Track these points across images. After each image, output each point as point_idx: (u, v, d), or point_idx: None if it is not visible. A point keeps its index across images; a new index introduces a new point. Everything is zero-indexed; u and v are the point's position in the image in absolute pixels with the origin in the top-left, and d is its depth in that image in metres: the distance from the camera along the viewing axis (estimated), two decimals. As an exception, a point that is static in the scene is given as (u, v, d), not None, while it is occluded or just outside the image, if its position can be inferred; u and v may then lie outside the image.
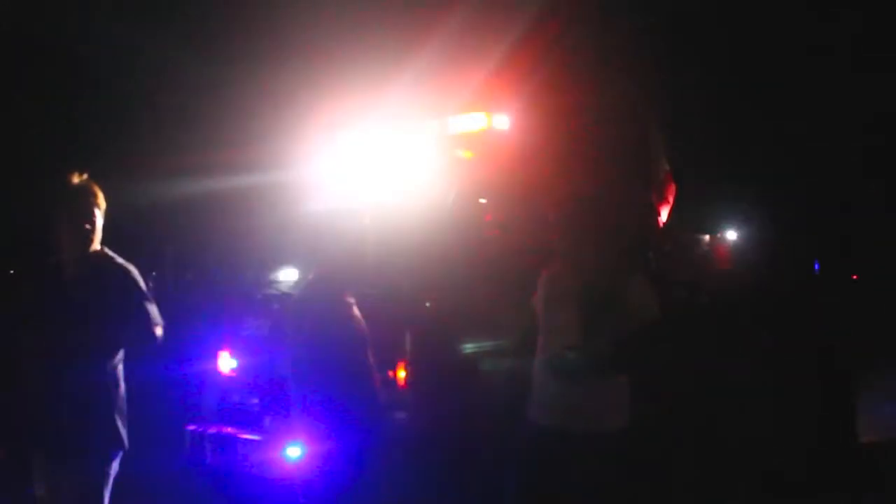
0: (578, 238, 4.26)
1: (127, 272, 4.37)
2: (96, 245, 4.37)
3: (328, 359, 3.93)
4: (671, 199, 6.18)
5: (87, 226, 4.31)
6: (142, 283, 4.40)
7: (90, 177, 4.40)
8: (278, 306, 5.99)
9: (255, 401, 6.15)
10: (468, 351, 5.41)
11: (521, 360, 4.43)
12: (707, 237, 7.51)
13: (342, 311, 4.04)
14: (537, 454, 4.19)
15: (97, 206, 4.37)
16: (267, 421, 6.01)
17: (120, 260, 4.40)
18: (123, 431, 4.33)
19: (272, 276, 6.51)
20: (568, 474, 4.05)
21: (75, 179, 4.34)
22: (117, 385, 4.33)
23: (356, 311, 4.10)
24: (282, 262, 6.45)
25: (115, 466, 4.33)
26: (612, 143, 5.90)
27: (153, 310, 4.35)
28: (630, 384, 4.21)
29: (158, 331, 4.34)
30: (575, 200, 4.42)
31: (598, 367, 4.08)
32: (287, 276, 6.38)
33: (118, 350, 4.33)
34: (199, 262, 8.94)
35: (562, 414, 4.11)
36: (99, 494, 4.22)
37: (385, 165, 6.14)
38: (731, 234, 7.73)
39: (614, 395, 4.14)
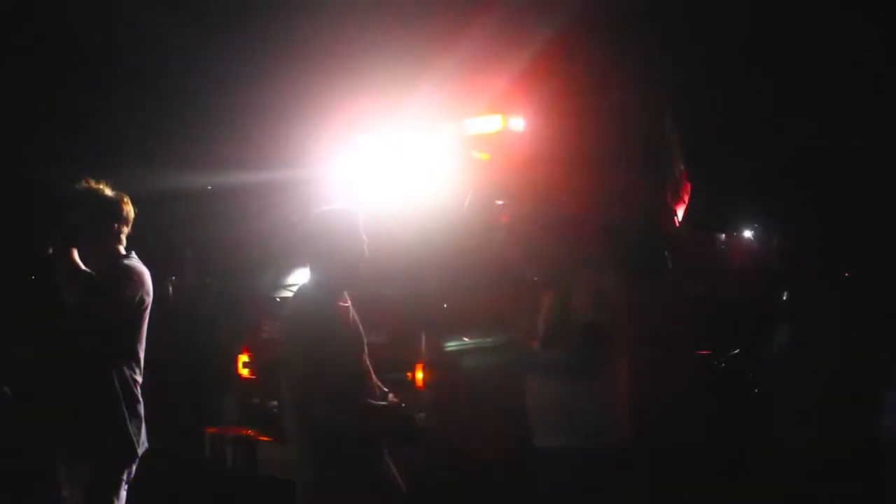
0: (530, 236, 4.20)
1: (120, 270, 4.33)
2: (121, 251, 4.42)
3: (323, 362, 3.85)
4: (687, 198, 6.19)
5: (110, 234, 4.36)
6: (129, 283, 4.31)
7: (115, 184, 4.46)
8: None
9: (275, 403, 6.17)
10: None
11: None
12: (723, 235, 7.51)
13: (337, 314, 3.99)
14: (540, 475, 4.12)
15: (124, 213, 4.42)
16: (286, 423, 6.03)
17: (128, 262, 4.40)
18: (137, 437, 4.34)
19: (290, 278, 6.54)
20: (569, 493, 3.98)
21: (104, 190, 4.40)
22: (130, 389, 4.34)
23: (352, 313, 4.07)
24: (298, 263, 6.48)
25: (130, 471, 4.35)
26: (624, 145, 5.90)
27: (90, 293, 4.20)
28: (627, 395, 4.09)
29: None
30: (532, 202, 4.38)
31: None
32: (302, 277, 6.41)
33: (127, 354, 4.36)
34: (217, 264, 8.98)
35: (557, 431, 4.01)
36: (108, 498, 4.24)
37: (401, 166, 6.16)
38: (747, 232, 7.72)
39: (610, 407, 4.01)
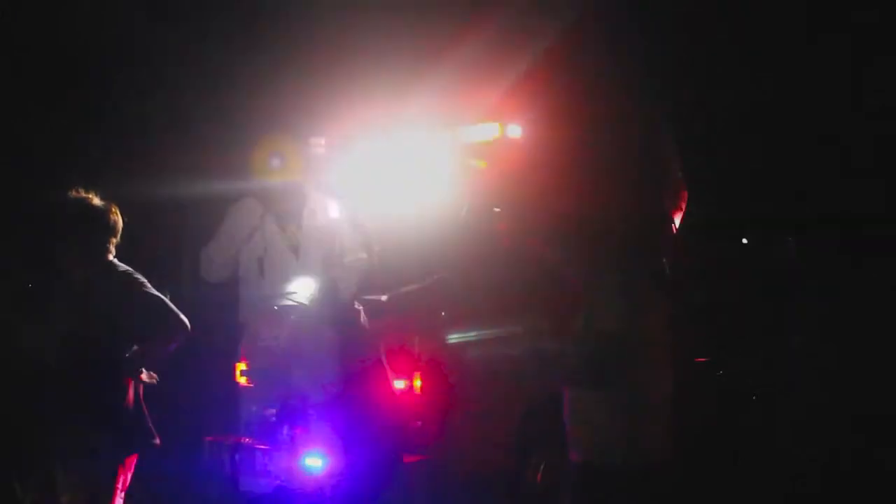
0: (560, 246, 4.19)
1: (129, 274, 4.39)
2: (110, 259, 4.42)
3: (342, 368, 3.91)
4: (684, 206, 6.19)
5: (98, 243, 4.37)
6: (146, 285, 4.41)
7: (105, 193, 4.47)
8: (294, 317, 6.02)
9: (273, 411, 6.17)
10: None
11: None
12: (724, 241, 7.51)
13: (351, 320, 4.03)
14: (579, 493, 4.07)
15: (112, 223, 4.43)
16: (285, 431, 6.03)
17: (126, 267, 4.44)
18: (139, 438, 4.36)
19: (288, 286, 6.53)
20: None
21: (93, 199, 4.41)
22: (132, 393, 4.35)
23: (364, 317, 4.11)
24: (297, 271, 6.47)
25: (125, 478, 4.34)
26: (622, 152, 5.91)
27: (165, 304, 4.40)
28: (668, 414, 4.00)
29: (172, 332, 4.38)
30: (562, 212, 4.37)
31: None
32: (302, 285, 6.40)
33: (126, 359, 4.35)
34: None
35: (596, 449, 3.94)
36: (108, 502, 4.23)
37: (398, 174, 6.16)
38: (744, 240, 7.72)
39: (651, 426, 3.92)
